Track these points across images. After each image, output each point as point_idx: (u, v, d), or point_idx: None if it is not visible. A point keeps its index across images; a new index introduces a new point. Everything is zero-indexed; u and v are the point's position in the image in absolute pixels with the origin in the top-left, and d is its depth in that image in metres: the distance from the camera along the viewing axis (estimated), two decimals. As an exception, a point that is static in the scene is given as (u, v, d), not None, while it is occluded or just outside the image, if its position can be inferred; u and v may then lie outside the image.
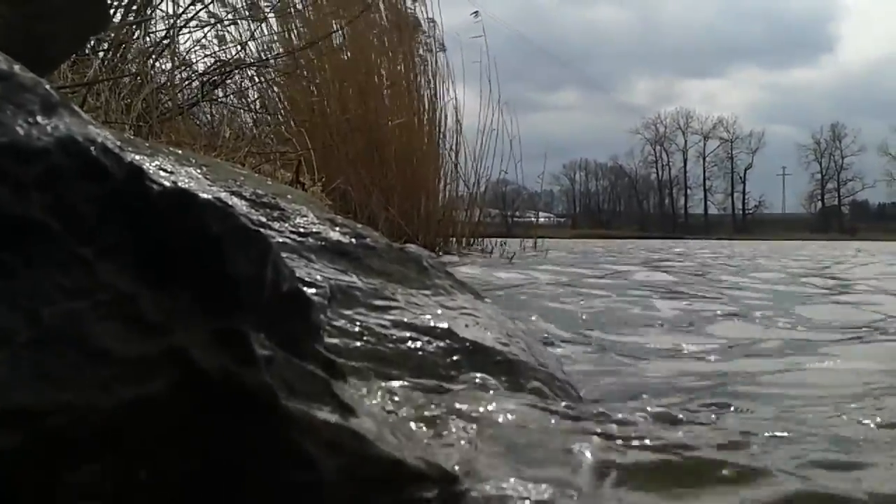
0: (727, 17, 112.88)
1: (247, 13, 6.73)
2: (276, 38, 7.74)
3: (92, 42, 4.24)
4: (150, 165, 0.73)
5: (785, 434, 1.14)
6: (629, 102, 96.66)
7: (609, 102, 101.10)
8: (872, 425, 1.25)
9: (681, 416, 1.26)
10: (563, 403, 1.27)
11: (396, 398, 1.06)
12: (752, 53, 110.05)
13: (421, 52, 9.09)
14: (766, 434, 1.14)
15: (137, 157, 0.72)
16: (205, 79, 5.43)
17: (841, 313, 3.59)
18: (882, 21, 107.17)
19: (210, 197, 0.72)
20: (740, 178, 72.24)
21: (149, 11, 4.92)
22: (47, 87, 0.70)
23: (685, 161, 73.38)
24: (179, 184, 0.73)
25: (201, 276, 0.67)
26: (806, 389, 1.65)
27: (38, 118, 0.66)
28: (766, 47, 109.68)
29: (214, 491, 0.64)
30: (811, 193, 72.31)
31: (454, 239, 8.99)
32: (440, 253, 7.88)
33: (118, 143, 0.70)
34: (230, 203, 0.76)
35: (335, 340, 1.15)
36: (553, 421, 1.14)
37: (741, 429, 1.18)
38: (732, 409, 1.39)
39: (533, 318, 2.67)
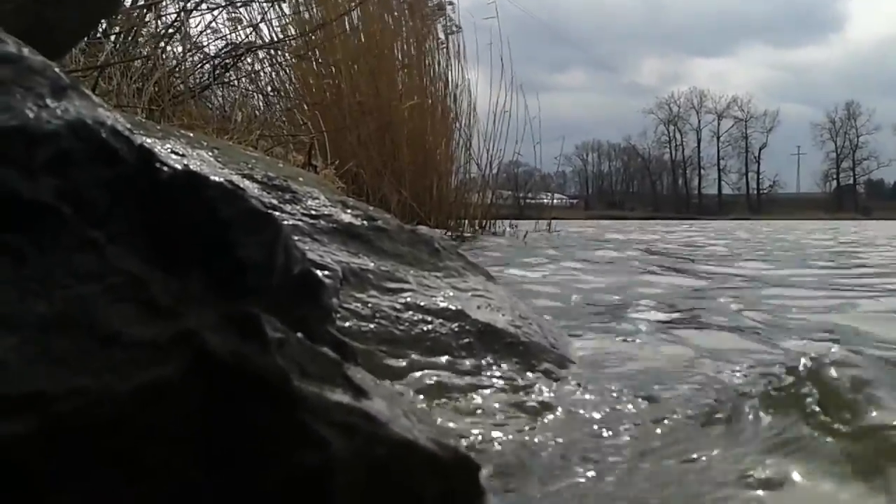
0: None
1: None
2: (288, 20, 7.72)
3: (103, 26, 4.24)
4: (161, 148, 0.73)
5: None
6: (638, 83, 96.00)
7: (617, 83, 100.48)
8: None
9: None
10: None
11: (409, 380, 1.06)
12: (760, 32, 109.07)
13: (434, 33, 9.04)
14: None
15: (148, 141, 0.72)
16: (216, 62, 5.42)
17: None
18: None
19: (220, 180, 0.72)
20: (755, 157, 71.77)
21: (159, -6, 4.90)
22: (57, 70, 0.70)
23: (699, 141, 72.88)
24: (191, 167, 0.73)
25: (212, 259, 0.67)
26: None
27: (48, 101, 0.66)
28: (773, 25, 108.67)
29: (226, 474, 0.64)
30: (826, 173, 71.75)
31: (466, 221, 8.98)
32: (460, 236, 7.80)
33: (128, 126, 0.70)
34: (241, 186, 0.75)
35: (347, 323, 1.15)
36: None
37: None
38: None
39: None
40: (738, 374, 1.33)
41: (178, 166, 0.70)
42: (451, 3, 9.19)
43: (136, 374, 0.61)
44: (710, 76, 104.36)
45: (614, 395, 1.24)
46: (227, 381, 0.65)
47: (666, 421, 1.08)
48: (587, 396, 1.21)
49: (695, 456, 0.95)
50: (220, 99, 6.37)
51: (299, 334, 0.73)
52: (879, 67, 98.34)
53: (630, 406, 1.15)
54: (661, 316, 2.50)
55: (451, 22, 9.13)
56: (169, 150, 1.34)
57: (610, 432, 1.05)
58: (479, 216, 9.28)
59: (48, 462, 0.58)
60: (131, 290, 0.62)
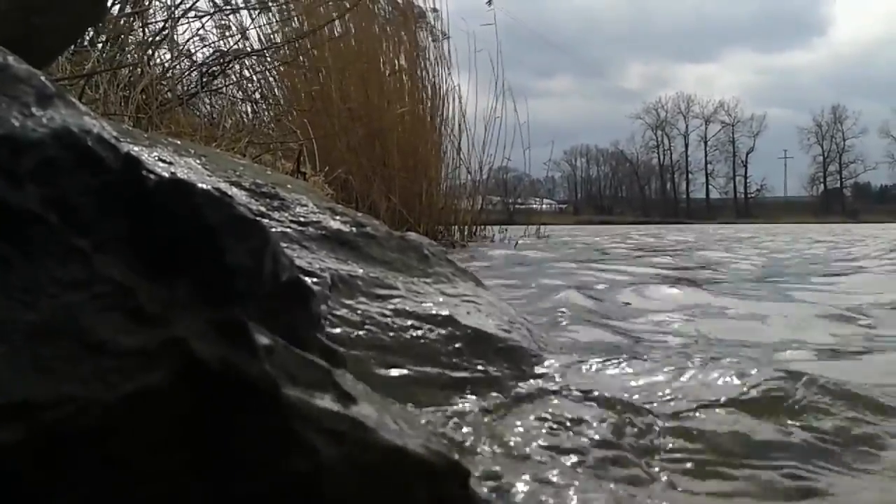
0: (717, 0, 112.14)
1: (245, 2, 6.70)
2: (276, 27, 7.71)
3: (90, 34, 4.23)
4: (147, 156, 0.73)
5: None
6: (624, 88, 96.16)
7: (604, 88, 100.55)
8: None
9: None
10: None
11: (399, 386, 1.06)
12: (744, 37, 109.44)
13: (423, 40, 9.05)
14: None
15: (135, 148, 0.72)
16: (204, 69, 5.41)
17: None
18: (874, 2, 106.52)
19: (207, 187, 0.72)
20: (742, 161, 72.02)
21: (147, 2, 4.90)
22: (42, 78, 0.70)
23: (686, 145, 73.10)
24: (178, 174, 0.73)
25: (200, 266, 0.67)
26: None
27: (33, 109, 0.66)
28: (758, 30, 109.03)
29: (215, 481, 0.64)
30: (813, 176, 72.04)
31: (456, 227, 8.98)
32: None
33: (114, 134, 0.70)
34: (229, 193, 0.75)
35: (337, 329, 1.15)
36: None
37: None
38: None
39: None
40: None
41: (165, 174, 0.70)
42: (434, 10, 9.21)
43: (124, 382, 0.60)
44: (695, 81, 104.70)
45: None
46: (216, 389, 0.65)
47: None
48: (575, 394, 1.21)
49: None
50: (208, 106, 6.36)
51: (288, 341, 0.73)
52: (865, 71, 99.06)
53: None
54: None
55: (437, 29, 9.14)
56: (156, 158, 1.33)
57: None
58: (469, 222, 9.28)
59: (38, 470, 0.58)
60: (118, 297, 0.62)
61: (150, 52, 4.69)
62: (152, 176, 0.67)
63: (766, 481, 0.95)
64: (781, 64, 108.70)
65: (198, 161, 1.60)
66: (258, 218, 0.76)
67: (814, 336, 2.20)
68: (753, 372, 1.27)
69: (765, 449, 1.04)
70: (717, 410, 1.15)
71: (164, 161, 1.37)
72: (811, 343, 2.08)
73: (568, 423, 1.11)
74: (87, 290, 0.61)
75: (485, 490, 0.84)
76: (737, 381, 1.23)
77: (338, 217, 1.49)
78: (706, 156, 72.74)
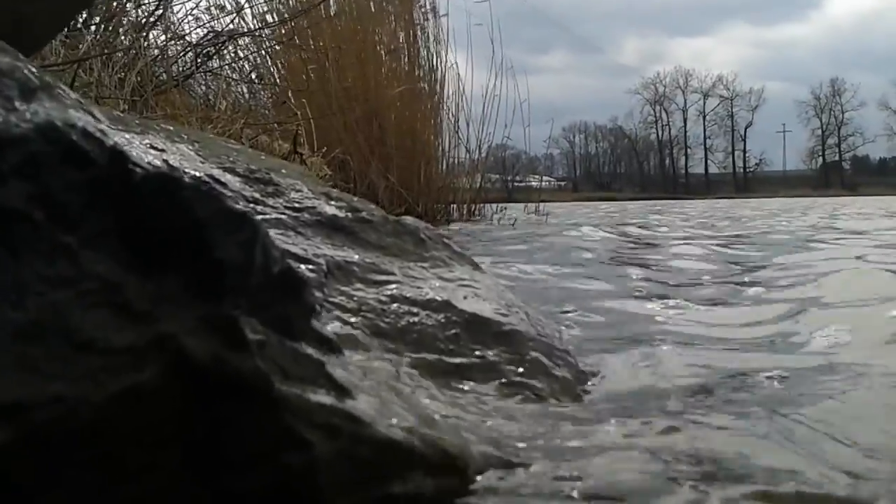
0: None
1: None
2: (270, 5, 7.64)
3: (83, 17, 4.19)
4: (136, 146, 0.72)
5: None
6: (620, 63, 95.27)
7: (600, 63, 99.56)
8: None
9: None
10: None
11: (395, 375, 1.05)
12: (738, 10, 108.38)
13: (419, 17, 8.98)
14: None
15: (122, 139, 0.71)
16: (199, 50, 5.36)
17: None
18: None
19: (197, 177, 0.71)
20: (741, 136, 71.70)
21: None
22: (25, 70, 0.68)
23: (685, 120, 72.71)
24: (170, 162, 0.72)
25: (189, 261, 0.66)
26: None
27: (17, 104, 0.64)
28: (751, 4, 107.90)
29: (208, 478, 0.64)
30: (812, 150, 71.72)
31: (455, 205, 8.96)
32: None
33: (100, 127, 0.68)
34: (222, 180, 0.74)
35: (333, 317, 1.14)
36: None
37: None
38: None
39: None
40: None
41: (152, 167, 0.68)
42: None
43: (113, 380, 0.60)
44: (691, 55, 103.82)
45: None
46: (208, 385, 0.64)
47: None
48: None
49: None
50: (203, 88, 6.32)
51: (281, 333, 0.73)
52: (863, 43, 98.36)
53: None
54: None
55: (433, 6, 9.06)
56: (147, 145, 1.32)
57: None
58: (468, 200, 9.25)
59: (29, 471, 0.57)
60: (106, 294, 0.61)
61: (144, 33, 4.65)
62: (139, 169, 0.66)
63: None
64: (777, 37, 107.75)
65: (191, 147, 1.58)
66: (250, 206, 0.75)
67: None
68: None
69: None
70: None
71: (155, 148, 1.35)
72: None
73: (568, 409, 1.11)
74: (74, 288, 0.60)
75: (483, 480, 0.83)
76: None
77: (333, 202, 1.48)
78: (705, 131, 72.40)
